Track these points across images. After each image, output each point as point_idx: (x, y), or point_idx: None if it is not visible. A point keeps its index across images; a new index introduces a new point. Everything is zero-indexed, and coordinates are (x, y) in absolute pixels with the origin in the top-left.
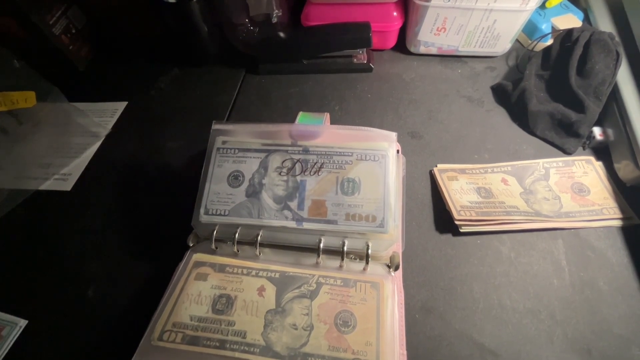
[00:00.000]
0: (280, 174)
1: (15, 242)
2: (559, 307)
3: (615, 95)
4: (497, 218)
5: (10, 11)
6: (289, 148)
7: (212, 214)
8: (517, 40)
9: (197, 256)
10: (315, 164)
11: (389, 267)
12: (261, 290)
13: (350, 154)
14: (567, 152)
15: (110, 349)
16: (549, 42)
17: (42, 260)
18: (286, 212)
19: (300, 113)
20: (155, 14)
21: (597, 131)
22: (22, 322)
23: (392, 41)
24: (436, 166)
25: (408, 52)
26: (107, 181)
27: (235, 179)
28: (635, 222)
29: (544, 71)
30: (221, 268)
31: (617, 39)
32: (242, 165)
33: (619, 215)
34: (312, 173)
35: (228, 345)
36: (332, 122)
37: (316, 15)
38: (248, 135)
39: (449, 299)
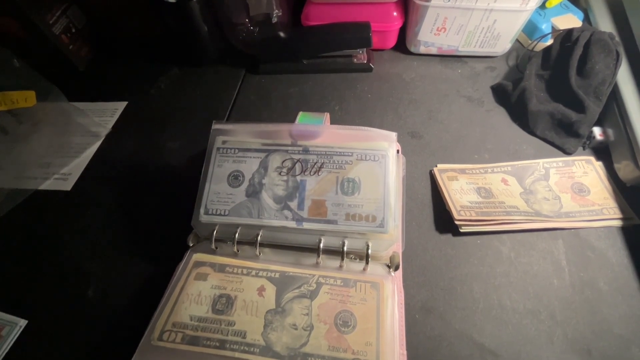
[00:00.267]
0: (280, 173)
1: (15, 242)
2: (559, 307)
3: (615, 95)
4: (497, 218)
5: (10, 11)
6: (289, 148)
7: (212, 214)
8: (517, 40)
9: (197, 256)
10: (315, 163)
11: (389, 267)
12: (261, 290)
13: (350, 154)
14: (567, 152)
15: (110, 349)
16: (549, 42)
17: (42, 260)
18: (286, 212)
19: (300, 113)
20: (155, 14)
21: (597, 131)
22: (22, 322)
23: (392, 41)
24: (436, 166)
25: (408, 52)
26: (107, 181)
27: (235, 178)
28: (635, 222)
29: (544, 71)
30: (221, 268)
31: (617, 39)
32: (242, 165)
33: (619, 215)
34: (312, 173)
35: (228, 345)
36: (332, 122)
37: (316, 15)
38: (248, 135)
39: (449, 299)
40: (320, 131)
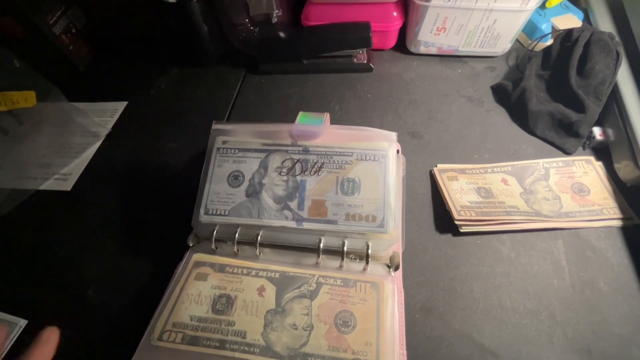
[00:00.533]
0: (280, 173)
1: (16, 242)
2: (559, 308)
3: (615, 95)
4: (497, 218)
5: (10, 11)
6: (289, 148)
7: (212, 214)
8: (517, 40)
9: (197, 256)
10: (315, 164)
11: (389, 267)
12: (261, 290)
13: (350, 154)
14: (567, 152)
15: (110, 349)
16: (549, 42)
17: (42, 260)
18: (286, 212)
19: (300, 113)
20: (155, 14)
21: (597, 131)
22: (22, 322)
23: (392, 41)
24: (436, 166)
25: (408, 52)
26: (107, 181)
27: (235, 178)
28: (635, 222)
29: (544, 71)
30: (221, 268)
31: (617, 39)
32: (242, 165)
33: (619, 215)
34: (312, 173)
35: (228, 345)
36: (332, 122)
37: (316, 15)
38: (248, 135)
39: (449, 299)
40: (320, 131)
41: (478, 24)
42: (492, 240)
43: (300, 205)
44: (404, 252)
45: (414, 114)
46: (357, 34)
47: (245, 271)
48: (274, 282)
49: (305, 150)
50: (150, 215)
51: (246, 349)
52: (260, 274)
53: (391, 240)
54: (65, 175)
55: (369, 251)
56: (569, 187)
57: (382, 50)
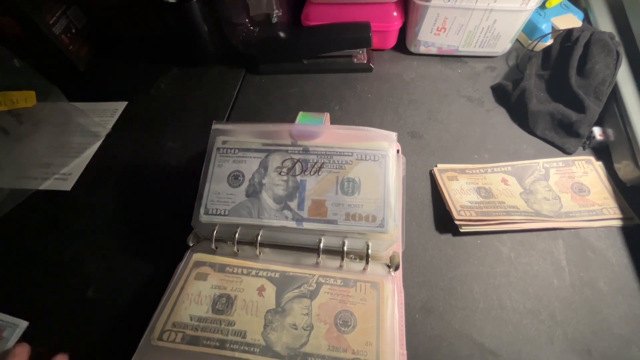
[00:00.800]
0: (280, 173)
1: (15, 242)
2: (559, 308)
3: (615, 95)
4: (497, 218)
5: (10, 11)
6: (289, 148)
7: (212, 214)
8: (517, 40)
9: (197, 256)
10: (315, 163)
11: (389, 267)
12: (261, 290)
13: (350, 154)
14: (567, 152)
15: (110, 349)
16: (549, 42)
17: (42, 260)
18: (286, 212)
19: (300, 113)
20: (155, 14)
21: (597, 131)
22: (23, 324)
23: (392, 41)
24: (436, 166)
25: (408, 52)
26: (107, 181)
27: (235, 178)
28: (635, 222)
29: (544, 71)
30: (221, 268)
31: (617, 39)
32: (242, 165)
33: (619, 215)
34: (312, 173)
35: (228, 345)
36: (332, 122)
37: (316, 15)
38: (248, 135)
39: (449, 299)
40: (320, 131)
41: (478, 24)
42: (492, 240)
43: (300, 205)
44: (404, 252)
45: (414, 114)
46: (357, 34)
47: (245, 271)
48: (274, 282)
49: (305, 150)
50: (150, 215)
51: (246, 348)
52: (260, 273)
53: (391, 240)
54: (65, 175)
55: (369, 251)
56: (569, 187)
57: (382, 50)
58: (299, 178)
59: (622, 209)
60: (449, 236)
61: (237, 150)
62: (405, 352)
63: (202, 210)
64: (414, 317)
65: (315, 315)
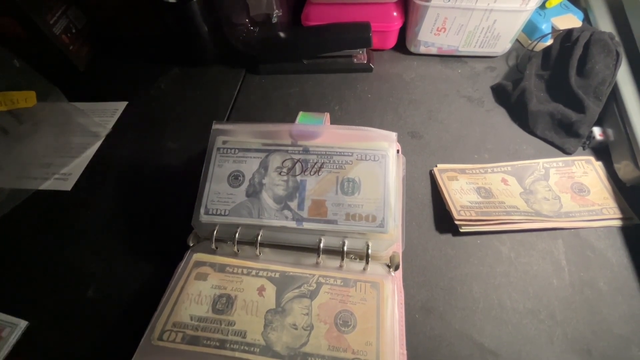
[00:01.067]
0: (280, 173)
1: (16, 242)
2: (559, 307)
3: (615, 95)
4: (497, 218)
5: (10, 11)
6: (289, 148)
7: (212, 214)
8: (517, 40)
9: (197, 256)
10: (316, 164)
11: (389, 267)
12: (261, 290)
13: (350, 154)
14: (567, 152)
15: (110, 349)
16: (549, 42)
17: (43, 260)
18: (286, 212)
19: (300, 113)
20: (155, 14)
21: (597, 131)
22: (23, 323)
23: (392, 41)
24: (436, 166)
25: (408, 52)
26: (107, 181)
27: (235, 178)
28: (635, 222)
29: (544, 71)
30: (221, 268)
31: (617, 39)
32: (242, 165)
33: (619, 215)
34: (312, 173)
35: (228, 345)
36: (332, 122)
37: (316, 15)
38: (248, 135)
39: (449, 299)
40: (320, 131)
41: (478, 24)
42: (492, 240)
43: (300, 205)
44: (404, 252)
45: (414, 114)
46: (357, 34)
47: (245, 271)
48: (274, 281)
49: (306, 150)
50: (150, 215)
51: (246, 348)
52: (261, 273)
53: (391, 240)
54: (65, 175)
55: (369, 251)
56: (569, 187)
57: (382, 50)
58: (299, 178)
59: (621, 209)
60: (449, 236)
61: (237, 150)
62: (405, 352)
63: (202, 210)
64: (414, 317)
65: (315, 315)
